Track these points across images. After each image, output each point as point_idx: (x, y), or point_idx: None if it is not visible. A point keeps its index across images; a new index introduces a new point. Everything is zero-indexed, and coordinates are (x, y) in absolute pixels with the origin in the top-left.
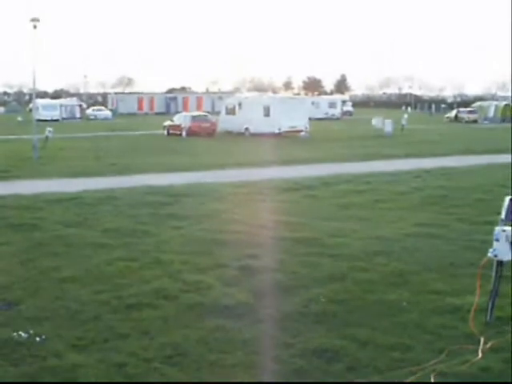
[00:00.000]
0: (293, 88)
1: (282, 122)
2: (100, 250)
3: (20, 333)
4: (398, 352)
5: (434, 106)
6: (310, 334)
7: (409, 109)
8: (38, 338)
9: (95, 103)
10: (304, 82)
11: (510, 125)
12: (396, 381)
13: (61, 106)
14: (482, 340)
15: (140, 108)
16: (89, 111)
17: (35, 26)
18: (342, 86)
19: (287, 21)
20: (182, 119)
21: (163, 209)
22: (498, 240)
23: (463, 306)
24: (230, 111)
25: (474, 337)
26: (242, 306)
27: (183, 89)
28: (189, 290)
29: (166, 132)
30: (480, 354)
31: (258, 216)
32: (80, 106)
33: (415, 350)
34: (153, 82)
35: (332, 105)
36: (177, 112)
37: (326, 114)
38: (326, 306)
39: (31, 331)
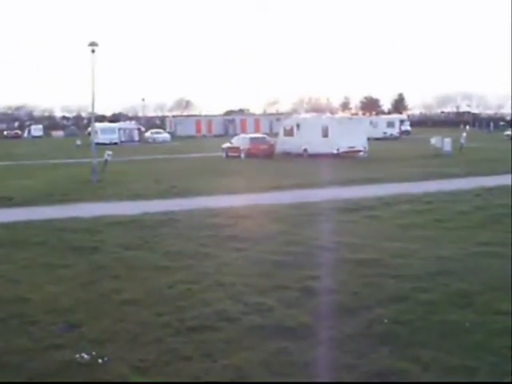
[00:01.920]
0: (350, 108)
1: (341, 142)
2: (161, 272)
3: (82, 354)
4: (462, 374)
5: (492, 124)
6: (373, 355)
7: (467, 127)
8: (100, 360)
9: (153, 126)
10: (361, 101)
11: None
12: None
13: (119, 129)
14: None
15: (198, 130)
16: (147, 134)
17: (93, 51)
18: (399, 105)
19: (344, 41)
20: (240, 141)
21: (224, 231)
22: None
23: None
24: (288, 132)
25: None
26: (303, 327)
27: (241, 111)
28: (250, 312)
29: (224, 154)
30: None
31: (318, 237)
32: (138, 129)
33: (480, 372)
34: (211, 104)
35: (390, 124)
36: (235, 134)
37: (385, 133)
38: (389, 327)
39: (93, 353)
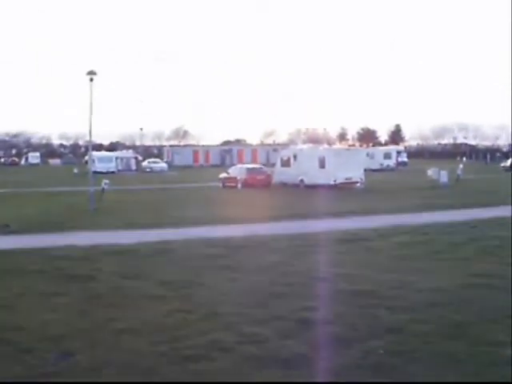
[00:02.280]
0: (347, 139)
1: (338, 173)
2: (157, 301)
3: None
4: None
5: (489, 155)
6: None
7: (464, 158)
8: None
9: (151, 155)
10: (358, 132)
11: None
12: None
13: (116, 158)
14: None
15: (195, 160)
16: (144, 163)
17: (92, 79)
18: (396, 136)
19: (341, 72)
20: (237, 171)
21: (219, 261)
22: None
23: None
24: (285, 163)
25: None
26: (298, 358)
27: (238, 141)
28: (245, 342)
29: (221, 184)
30: None
31: (314, 268)
32: (136, 158)
33: None
34: (208, 134)
35: (387, 155)
36: (232, 164)
37: (381, 164)
38: (384, 358)
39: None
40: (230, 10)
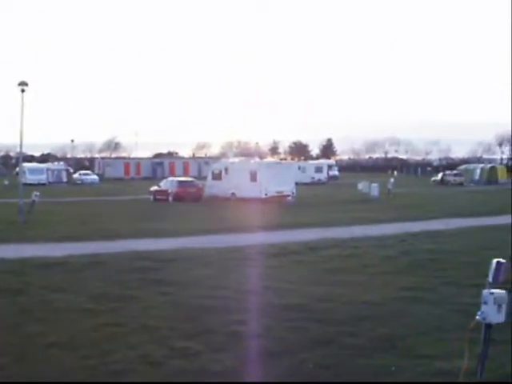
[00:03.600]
0: (279, 153)
1: (269, 186)
2: (86, 315)
3: None
4: None
5: (419, 170)
6: None
7: (395, 172)
8: None
9: (82, 168)
10: (290, 146)
11: (495, 187)
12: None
13: (47, 170)
14: None
15: (127, 173)
16: (76, 176)
17: (23, 90)
18: (328, 150)
19: (272, 85)
20: (168, 184)
21: (150, 274)
22: (486, 303)
23: (452, 370)
24: (217, 176)
25: None
26: (229, 371)
27: (170, 154)
28: (176, 356)
29: (152, 197)
30: None
31: (245, 282)
32: (67, 170)
33: None
34: (140, 146)
35: (318, 169)
36: (163, 177)
37: (313, 178)
38: (314, 372)
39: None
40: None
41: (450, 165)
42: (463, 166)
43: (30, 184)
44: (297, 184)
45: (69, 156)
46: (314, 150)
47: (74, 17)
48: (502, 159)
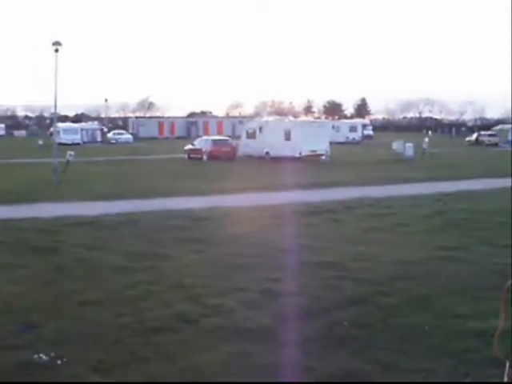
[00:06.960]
0: (313, 112)
1: (303, 146)
2: (121, 273)
3: (41, 355)
4: (421, 376)
5: (454, 130)
6: (333, 357)
7: (429, 132)
8: (58, 361)
9: (116, 127)
10: (324, 106)
11: None
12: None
13: (82, 129)
14: (508, 364)
15: (161, 132)
16: (110, 135)
17: (57, 50)
18: (362, 110)
19: (308, 45)
20: (202, 143)
21: (184, 233)
22: None
23: (487, 330)
24: (251, 135)
25: (499, 361)
26: (263, 329)
27: (204, 113)
28: (209, 314)
29: (186, 156)
30: (506, 379)
31: (279, 240)
32: (101, 129)
33: (439, 374)
34: (174, 106)
35: (353, 129)
36: (197, 136)
37: (347, 138)
38: (349, 330)
39: (52, 354)
40: None
41: (485, 125)
42: (498, 127)
43: (65, 144)
44: (331, 143)
45: (103, 116)
46: (349, 110)
47: None
48: None
